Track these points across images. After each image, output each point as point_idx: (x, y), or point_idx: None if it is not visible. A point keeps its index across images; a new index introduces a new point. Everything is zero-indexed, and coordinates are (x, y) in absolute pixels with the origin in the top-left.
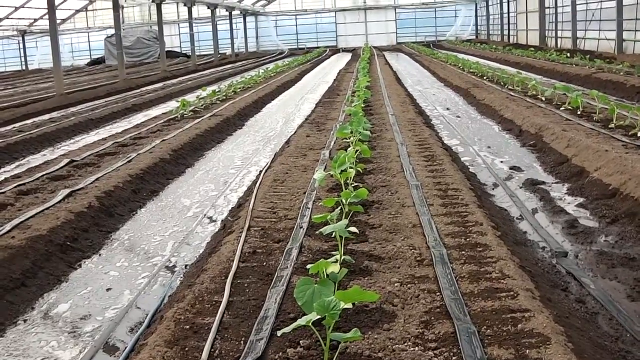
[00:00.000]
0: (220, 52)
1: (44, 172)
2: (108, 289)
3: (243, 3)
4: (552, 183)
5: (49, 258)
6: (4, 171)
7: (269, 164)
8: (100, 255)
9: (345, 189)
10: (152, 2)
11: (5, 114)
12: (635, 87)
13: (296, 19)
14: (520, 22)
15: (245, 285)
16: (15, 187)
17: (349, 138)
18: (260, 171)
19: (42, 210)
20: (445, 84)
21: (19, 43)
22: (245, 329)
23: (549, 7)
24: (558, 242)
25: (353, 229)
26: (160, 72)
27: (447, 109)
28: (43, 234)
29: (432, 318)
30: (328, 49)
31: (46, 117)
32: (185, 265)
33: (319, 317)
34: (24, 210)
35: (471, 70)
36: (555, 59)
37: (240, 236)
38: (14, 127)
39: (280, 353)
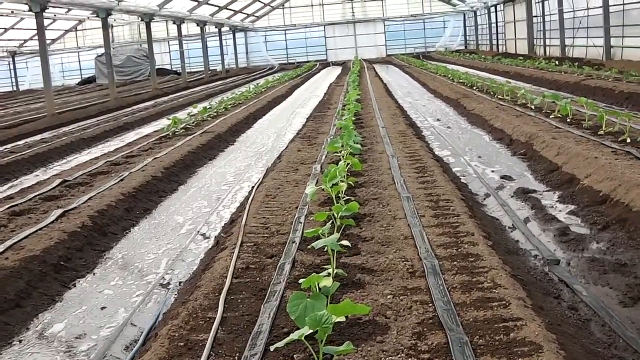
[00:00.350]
0: (210, 68)
1: (36, 193)
2: (103, 308)
3: (232, 19)
4: (543, 191)
5: (43, 278)
6: None
7: (260, 179)
8: (94, 274)
9: (337, 203)
10: (142, 20)
11: None
12: (624, 93)
13: (285, 34)
14: (509, 31)
15: (239, 300)
16: (8, 208)
17: (340, 152)
18: (253, 187)
19: (36, 231)
20: (435, 95)
21: (9, 64)
22: (240, 345)
23: (536, 16)
24: (550, 250)
25: (345, 242)
26: (151, 90)
27: (438, 119)
28: (37, 255)
29: (425, 329)
30: (318, 63)
31: (38, 137)
32: (179, 282)
33: (311, 331)
34: (17, 231)
35: (460, 80)
36: (544, 67)
37: (234, 252)
38: (6, 149)
39: None
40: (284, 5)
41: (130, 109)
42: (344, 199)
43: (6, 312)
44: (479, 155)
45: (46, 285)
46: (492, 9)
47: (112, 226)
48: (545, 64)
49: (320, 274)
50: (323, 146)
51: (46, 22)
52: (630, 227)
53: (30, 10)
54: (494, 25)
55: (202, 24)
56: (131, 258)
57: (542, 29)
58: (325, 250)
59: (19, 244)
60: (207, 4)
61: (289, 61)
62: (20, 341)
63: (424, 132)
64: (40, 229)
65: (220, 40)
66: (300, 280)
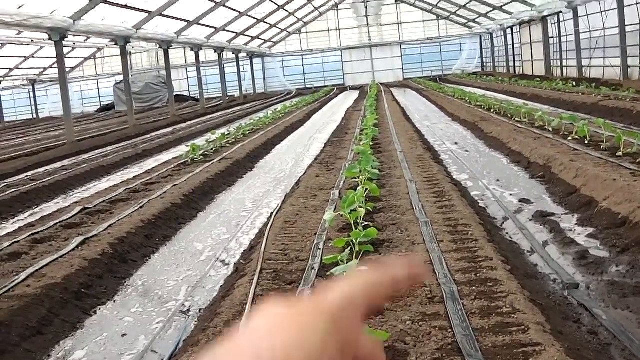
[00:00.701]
0: (228, 94)
1: (57, 220)
2: (123, 335)
3: (249, 45)
4: (562, 214)
5: (65, 305)
6: (18, 220)
7: (279, 205)
8: (114, 301)
9: (355, 229)
10: (160, 47)
11: (17, 162)
12: None
13: (303, 59)
14: (525, 53)
15: None
16: (29, 235)
17: (358, 177)
18: (272, 213)
19: (57, 259)
20: (453, 119)
21: (29, 92)
22: None
23: (552, 37)
24: (569, 274)
25: (364, 268)
26: (169, 117)
27: (456, 143)
28: (58, 282)
29: (444, 355)
30: (335, 88)
31: (58, 165)
32: (200, 309)
33: None
34: (39, 258)
35: (478, 103)
36: (562, 89)
37: (253, 279)
38: (27, 176)
39: None
40: (300, 31)
41: (149, 135)
42: (363, 224)
43: (28, 339)
44: (497, 179)
45: (67, 312)
46: (509, 30)
47: (132, 253)
48: (563, 85)
49: None
50: (341, 172)
51: (65, 50)
52: None
53: (50, 39)
54: (510, 47)
55: (219, 50)
56: (151, 285)
57: (558, 50)
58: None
59: (41, 271)
60: (224, 30)
61: (307, 86)
62: None
63: (442, 156)
64: (61, 256)
65: (238, 66)
66: None
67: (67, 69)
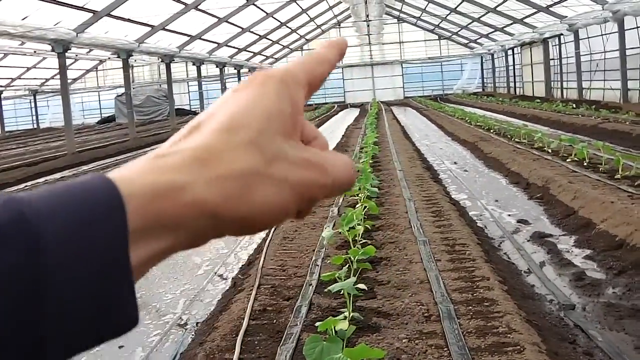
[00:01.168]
0: None
1: None
2: (120, 347)
3: (252, 61)
4: (560, 235)
5: None
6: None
7: None
8: None
9: (354, 247)
10: (162, 61)
11: (16, 172)
12: None
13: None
14: (526, 74)
15: (256, 342)
16: None
17: (357, 195)
18: (270, 229)
19: None
20: (453, 138)
21: (30, 102)
22: None
23: (553, 59)
24: (566, 295)
25: (361, 286)
26: (170, 131)
27: (455, 163)
28: None
29: None
30: (336, 105)
31: (58, 175)
32: (197, 323)
33: None
34: None
35: (478, 123)
36: (562, 110)
37: (251, 294)
38: (26, 186)
39: None
40: (302, 48)
41: (149, 148)
42: (361, 242)
43: None
44: (495, 199)
45: None
46: (510, 51)
47: None
48: (563, 107)
49: (337, 318)
50: None
51: (68, 61)
52: None
53: (52, 50)
54: (511, 68)
55: (221, 65)
56: (149, 298)
57: (559, 71)
58: (341, 293)
59: None
60: (226, 45)
61: (307, 103)
62: None
63: (440, 175)
64: None
65: (240, 81)
66: (317, 323)
67: (69, 81)
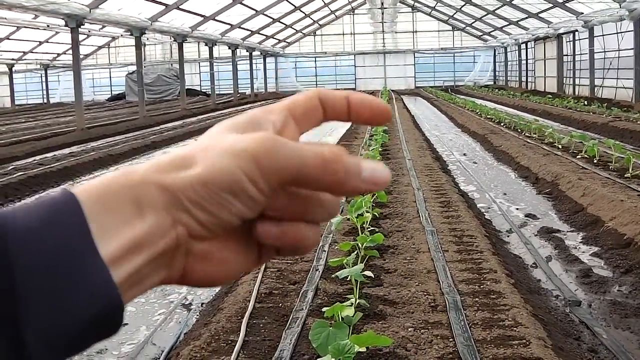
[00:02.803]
0: (239, 91)
1: None
2: (125, 324)
3: (263, 44)
4: (567, 231)
5: None
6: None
7: None
8: None
9: (362, 233)
10: (174, 41)
11: (26, 146)
12: None
13: (315, 61)
14: (539, 69)
15: (261, 325)
16: None
17: None
18: None
19: None
20: (463, 130)
21: (41, 76)
22: None
23: (567, 55)
24: (572, 291)
25: (368, 273)
26: (180, 110)
27: (464, 154)
28: None
29: None
30: None
31: (66, 151)
32: (202, 304)
33: (333, 359)
34: None
35: (488, 116)
36: (573, 107)
37: (257, 277)
38: (35, 160)
39: None
40: (315, 33)
41: (158, 127)
42: (369, 229)
43: None
44: (504, 192)
45: None
46: (523, 46)
47: None
48: (574, 104)
49: (343, 304)
50: None
51: (80, 37)
52: None
53: (66, 25)
54: (524, 62)
55: (233, 47)
56: None
57: (572, 68)
58: (348, 279)
59: None
60: (239, 27)
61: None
62: None
63: (450, 166)
64: None
65: (251, 64)
66: (323, 309)
67: (81, 56)
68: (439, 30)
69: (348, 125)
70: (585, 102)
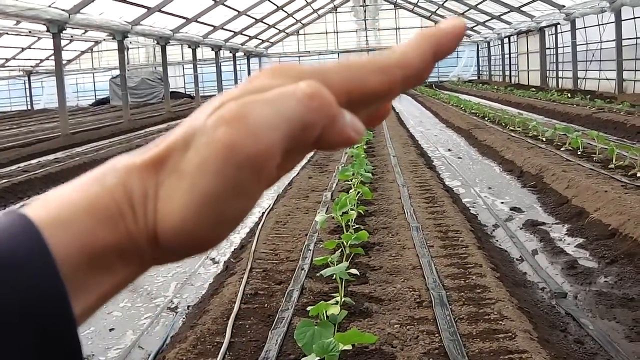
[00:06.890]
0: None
1: None
2: (111, 329)
3: (247, 45)
4: (552, 224)
5: None
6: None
7: (271, 205)
8: None
9: (347, 231)
10: (157, 44)
11: (10, 153)
12: (635, 127)
13: (299, 60)
14: (522, 62)
15: (247, 326)
16: None
17: (351, 180)
18: (263, 213)
19: None
20: (447, 125)
21: (24, 83)
22: None
23: (549, 48)
24: (557, 283)
25: (354, 271)
26: (164, 113)
27: (449, 150)
28: None
29: (431, 359)
30: None
31: (51, 157)
32: (188, 306)
33: (318, 358)
34: None
35: (473, 111)
36: (557, 99)
37: (243, 277)
38: (19, 167)
39: None
40: (298, 33)
41: (143, 131)
42: (354, 227)
43: None
44: (489, 187)
45: None
46: (506, 40)
47: None
48: (558, 96)
49: (329, 302)
50: (334, 174)
51: (63, 42)
52: (638, 261)
53: (48, 30)
54: (507, 56)
55: (216, 48)
56: (140, 281)
57: (555, 61)
58: (333, 278)
59: None
60: (222, 29)
61: None
62: None
63: (434, 162)
64: None
65: (235, 65)
66: (308, 308)
67: (64, 62)
68: (422, 27)
69: None
70: (569, 95)
